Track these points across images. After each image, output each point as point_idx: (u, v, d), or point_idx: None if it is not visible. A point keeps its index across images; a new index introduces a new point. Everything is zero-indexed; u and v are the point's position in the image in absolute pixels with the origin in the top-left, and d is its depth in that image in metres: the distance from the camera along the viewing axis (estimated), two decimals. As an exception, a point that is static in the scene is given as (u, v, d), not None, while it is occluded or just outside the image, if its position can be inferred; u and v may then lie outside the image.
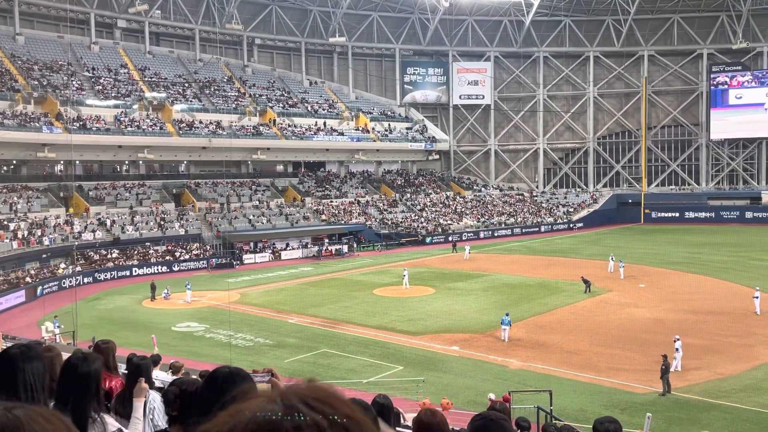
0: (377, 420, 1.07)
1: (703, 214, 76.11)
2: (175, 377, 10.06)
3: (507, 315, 27.91)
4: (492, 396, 16.44)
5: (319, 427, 0.88)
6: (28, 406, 0.95)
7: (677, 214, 76.94)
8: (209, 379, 2.04)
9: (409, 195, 74.34)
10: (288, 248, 56.83)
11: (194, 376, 13.23)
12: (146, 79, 64.27)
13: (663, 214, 77.61)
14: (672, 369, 21.52)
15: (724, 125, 79.59)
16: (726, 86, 79.57)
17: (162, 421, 4.03)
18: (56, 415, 1.01)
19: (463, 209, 73.38)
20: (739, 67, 79.34)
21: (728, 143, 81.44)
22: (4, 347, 3.12)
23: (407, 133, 78.11)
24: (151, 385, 4.49)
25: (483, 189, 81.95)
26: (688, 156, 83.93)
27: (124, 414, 4.14)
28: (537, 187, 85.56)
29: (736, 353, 24.86)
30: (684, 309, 32.25)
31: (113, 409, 4.21)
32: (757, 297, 30.98)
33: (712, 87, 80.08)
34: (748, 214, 74.35)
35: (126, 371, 4.92)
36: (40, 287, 40.11)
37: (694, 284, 38.90)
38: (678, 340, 23.27)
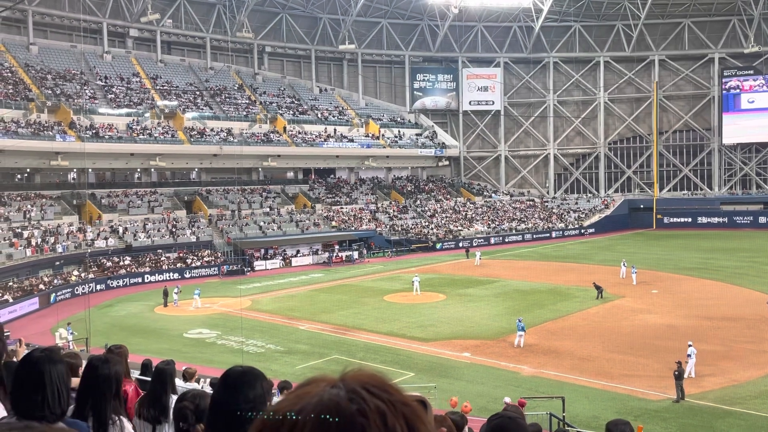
0: (430, 408, 1.11)
1: (716, 220, 75.47)
2: (187, 384, 10.11)
3: (520, 321, 27.76)
4: (508, 399, 16.40)
5: (381, 412, 0.93)
6: (53, 425, 1.02)
7: (690, 220, 76.37)
8: (222, 379, 2.09)
9: (419, 201, 74.32)
10: (298, 255, 56.94)
11: (205, 384, 13.25)
12: (158, 87, 64.79)
13: (675, 220, 77.06)
14: (685, 375, 21.35)
15: (736, 129, 79.05)
16: (738, 90, 79.09)
17: None
18: None
19: (473, 215, 73.25)
20: (751, 71, 78.83)
21: (741, 148, 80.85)
22: (26, 352, 3.17)
23: (417, 139, 78.16)
24: (174, 391, 4.51)
25: (493, 195, 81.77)
26: (701, 161, 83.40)
27: (148, 418, 4.16)
28: (548, 192, 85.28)
29: (750, 359, 24.61)
30: (697, 315, 31.98)
31: (137, 412, 4.23)
32: (771, 303, 30.69)
33: (724, 91, 79.62)
34: (762, 219, 73.66)
35: (151, 377, 4.96)
36: (54, 294, 40.41)
37: (708, 290, 38.58)
38: (691, 346, 23.08)
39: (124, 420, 3.05)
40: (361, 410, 0.92)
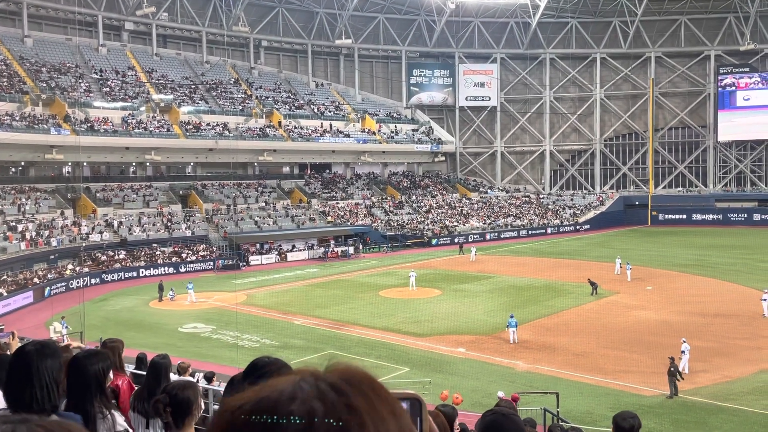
0: (424, 406, 1.04)
1: (710, 217, 75.74)
2: (180, 378, 10.09)
3: (512, 317, 27.86)
4: (501, 394, 16.45)
5: (312, 415, 0.86)
6: (47, 419, 0.99)
7: (684, 216, 76.60)
8: (249, 369, 2.14)
9: (415, 197, 74.33)
10: (294, 250, 56.90)
11: (200, 376, 13.24)
12: (153, 81, 64.52)
13: (670, 216, 77.30)
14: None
15: (731, 127, 79.27)
16: (734, 88, 79.25)
17: None
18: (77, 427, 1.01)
19: (469, 211, 73.31)
20: (747, 69, 79.00)
21: (736, 145, 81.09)
22: (19, 345, 3.16)
23: (413, 134, 78.11)
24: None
25: (489, 191, 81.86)
26: (696, 158, 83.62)
27: (142, 411, 4.14)
28: (543, 188, 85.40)
29: (743, 356, 24.73)
30: (691, 311, 32.11)
31: (132, 406, 4.21)
32: (765, 299, 30.78)
33: (719, 89, 79.77)
34: (756, 216, 73.96)
35: (145, 370, 4.93)
36: (48, 288, 40.30)
37: (702, 286, 38.73)
38: (685, 342, 23.18)
39: (116, 414, 3.03)
40: (292, 411, 0.86)
